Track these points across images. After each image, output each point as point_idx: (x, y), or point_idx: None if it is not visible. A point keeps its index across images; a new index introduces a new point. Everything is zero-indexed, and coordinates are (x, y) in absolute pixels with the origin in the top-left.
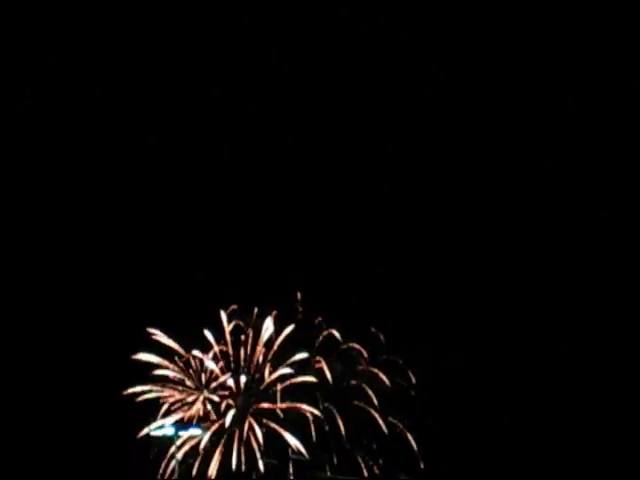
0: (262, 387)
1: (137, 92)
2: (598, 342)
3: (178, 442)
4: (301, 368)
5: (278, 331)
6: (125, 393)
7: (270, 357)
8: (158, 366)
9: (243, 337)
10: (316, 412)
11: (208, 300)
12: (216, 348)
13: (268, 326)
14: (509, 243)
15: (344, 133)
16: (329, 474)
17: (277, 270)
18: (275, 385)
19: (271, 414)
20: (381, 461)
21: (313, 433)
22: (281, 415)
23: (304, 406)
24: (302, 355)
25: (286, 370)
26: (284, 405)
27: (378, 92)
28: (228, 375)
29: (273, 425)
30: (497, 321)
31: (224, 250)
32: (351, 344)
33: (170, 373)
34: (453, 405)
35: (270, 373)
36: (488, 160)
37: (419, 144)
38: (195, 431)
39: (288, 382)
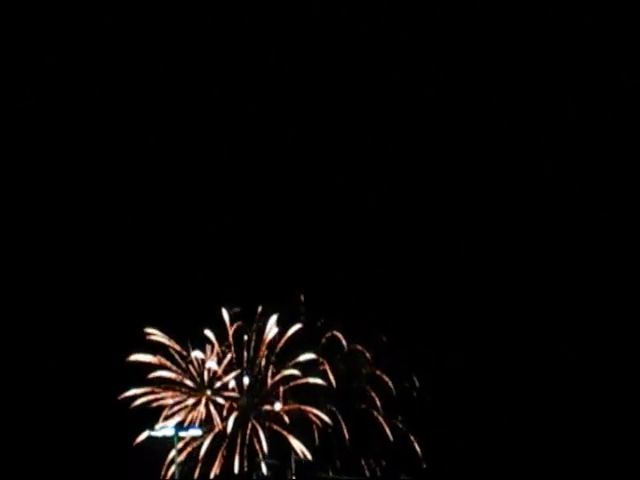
0: (266, 389)
1: (137, 92)
2: (598, 342)
3: (179, 445)
4: (306, 370)
5: (281, 332)
6: (125, 396)
7: (274, 358)
8: (157, 367)
9: (246, 337)
10: (323, 416)
11: (208, 301)
12: (218, 348)
13: (272, 326)
14: (509, 244)
15: (347, 136)
16: (331, 474)
17: (279, 272)
18: (279, 387)
19: (275, 416)
20: (384, 463)
21: (316, 435)
22: (286, 419)
23: (309, 408)
24: (309, 356)
25: (291, 371)
26: (287, 407)
27: (378, 92)
28: (231, 376)
29: (276, 427)
30: (499, 323)
31: (226, 252)
32: (355, 346)
33: (171, 374)
34: (455, 406)
35: (273, 374)
36: (488, 161)
37: (420, 145)
38: (195, 432)
39: (292, 384)
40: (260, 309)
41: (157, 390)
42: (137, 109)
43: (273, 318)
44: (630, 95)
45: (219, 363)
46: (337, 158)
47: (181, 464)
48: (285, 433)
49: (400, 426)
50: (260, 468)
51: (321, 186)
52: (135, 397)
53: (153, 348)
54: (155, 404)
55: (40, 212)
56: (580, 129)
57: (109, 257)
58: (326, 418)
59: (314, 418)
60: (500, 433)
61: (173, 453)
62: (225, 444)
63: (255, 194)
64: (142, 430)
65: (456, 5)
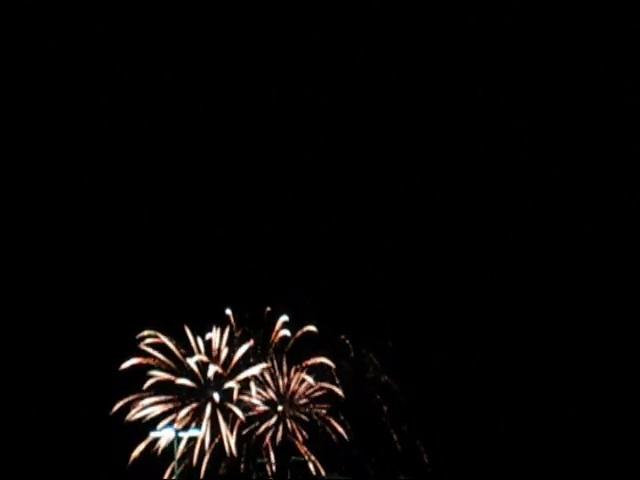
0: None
1: (137, 93)
2: (604, 351)
3: (178, 455)
4: (313, 373)
5: (289, 335)
6: (120, 405)
7: (283, 361)
8: (156, 368)
9: (253, 341)
10: (332, 421)
11: (212, 303)
12: (224, 350)
13: (281, 328)
14: (513, 254)
15: (354, 143)
16: (336, 476)
17: (285, 277)
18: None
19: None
20: (388, 467)
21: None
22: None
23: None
24: (316, 360)
25: (302, 376)
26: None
27: (379, 96)
28: (238, 379)
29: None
30: (507, 332)
31: (232, 254)
32: (362, 350)
33: (171, 377)
34: (461, 412)
35: (282, 377)
36: (487, 170)
37: (421, 151)
38: (195, 432)
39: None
40: (268, 310)
41: (156, 396)
42: (137, 111)
43: (282, 319)
44: (630, 95)
45: (225, 367)
46: (347, 166)
47: (182, 473)
48: (290, 436)
49: (406, 431)
50: (262, 469)
51: (331, 192)
52: (132, 407)
53: (152, 351)
54: (154, 409)
55: (37, 214)
56: (580, 130)
57: (107, 258)
58: (335, 423)
59: (334, 435)
60: (505, 439)
61: (174, 464)
62: (229, 447)
63: (263, 196)
64: (141, 440)
65: (456, 8)
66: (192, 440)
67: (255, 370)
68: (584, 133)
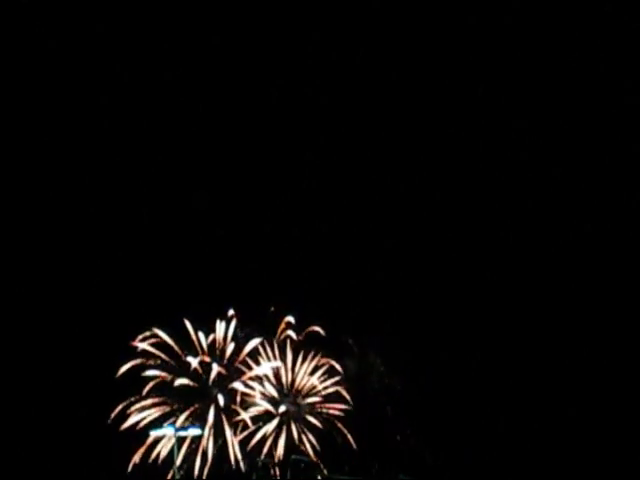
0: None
1: (137, 93)
2: (604, 351)
3: (178, 461)
4: (321, 374)
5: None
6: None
7: (289, 362)
8: (158, 367)
9: (258, 340)
10: (343, 429)
11: (212, 306)
12: (227, 351)
13: (286, 328)
14: (513, 254)
15: (354, 143)
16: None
17: (286, 278)
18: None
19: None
20: (386, 464)
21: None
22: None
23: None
24: (324, 359)
25: (307, 378)
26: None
27: (377, 102)
28: (239, 381)
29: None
30: (505, 331)
31: (231, 257)
32: (365, 351)
33: (181, 381)
34: (461, 412)
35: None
36: (487, 167)
37: (419, 150)
38: (195, 431)
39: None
40: (272, 310)
41: (157, 398)
42: (137, 111)
43: (287, 319)
44: (630, 95)
45: (229, 365)
46: (349, 168)
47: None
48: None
49: (408, 431)
50: (266, 468)
51: (331, 192)
52: (132, 410)
53: (154, 350)
54: (155, 412)
55: (34, 214)
56: (580, 130)
57: (107, 259)
58: (337, 423)
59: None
60: (505, 439)
61: (174, 468)
62: (233, 449)
63: (263, 197)
64: (142, 444)
65: (457, 7)
66: (194, 443)
67: (259, 370)
68: (584, 133)
